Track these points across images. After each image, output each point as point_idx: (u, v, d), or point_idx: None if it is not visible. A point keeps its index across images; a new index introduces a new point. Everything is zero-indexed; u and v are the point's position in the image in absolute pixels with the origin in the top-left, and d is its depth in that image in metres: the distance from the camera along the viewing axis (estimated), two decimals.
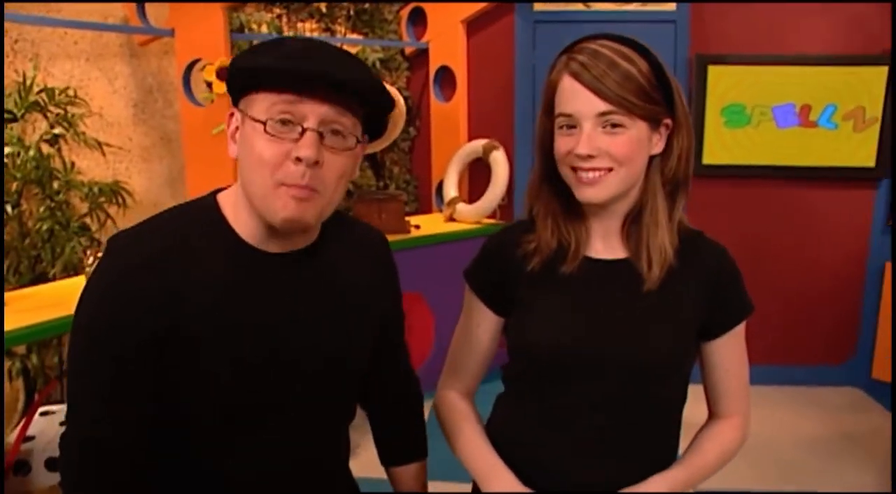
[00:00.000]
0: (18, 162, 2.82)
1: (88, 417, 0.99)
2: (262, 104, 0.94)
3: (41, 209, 2.93)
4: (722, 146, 3.54)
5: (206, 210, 1.04)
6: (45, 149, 2.97)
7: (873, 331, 3.63)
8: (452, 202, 3.69)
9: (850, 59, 3.41)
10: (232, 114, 1.01)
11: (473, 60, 3.84)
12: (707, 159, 3.54)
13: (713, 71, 3.47)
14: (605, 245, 1.17)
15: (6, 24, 2.98)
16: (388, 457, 1.33)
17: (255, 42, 3.62)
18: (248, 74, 0.96)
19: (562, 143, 1.10)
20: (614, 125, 1.06)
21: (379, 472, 1.35)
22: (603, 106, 1.05)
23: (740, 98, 3.50)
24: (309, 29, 3.88)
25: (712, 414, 1.25)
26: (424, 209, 4.19)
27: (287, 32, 3.78)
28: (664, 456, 1.19)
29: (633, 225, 1.15)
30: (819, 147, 3.50)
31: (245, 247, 1.02)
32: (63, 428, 1.03)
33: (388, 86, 1.06)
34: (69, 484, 1.02)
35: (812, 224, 3.63)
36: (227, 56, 3.04)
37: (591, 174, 1.08)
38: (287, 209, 0.95)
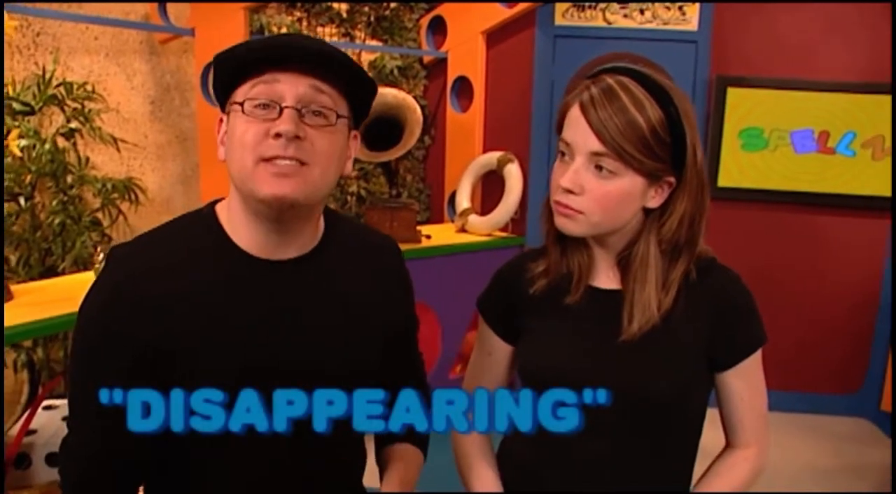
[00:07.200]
0: (34, 154, 2.82)
1: (88, 426, 1.00)
2: (243, 89, 0.97)
3: (54, 202, 2.92)
4: (738, 169, 3.52)
5: (203, 220, 1.05)
6: (61, 143, 2.97)
7: (883, 362, 3.58)
8: (464, 213, 3.67)
9: (870, 86, 3.39)
10: (221, 120, 1.03)
11: (492, 72, 3.81)
12: (723, 181, 3.52)
13: (733, 93, 3.45)
14: (607, 274, 1.15)
15: (30, 18, 3.00)
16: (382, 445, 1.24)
17: None
18: (229, 62, 0.97)
19: (557, 170, 1.09)
20: (607, 170, 1.03)
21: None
22: (597, 146, 1.02)
23: (759, 121, 3.48)
24: (329, 34, 3.88)
25: (728, 444, 1.22)
26: (436, 219, 4.18)
27: None
28: (673, 487, 1.17)
29: (624, 263, 1.12)
30: (836, 174, 3.48)
31: (242, 255, 1.02)
32: (65, 424, 1.03)
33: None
34: (69, 487, 1.02)
35: (826, 251, 3.60)
36: None
37: (564, 208, 1.06)
38: (269, 185, 0.93)
